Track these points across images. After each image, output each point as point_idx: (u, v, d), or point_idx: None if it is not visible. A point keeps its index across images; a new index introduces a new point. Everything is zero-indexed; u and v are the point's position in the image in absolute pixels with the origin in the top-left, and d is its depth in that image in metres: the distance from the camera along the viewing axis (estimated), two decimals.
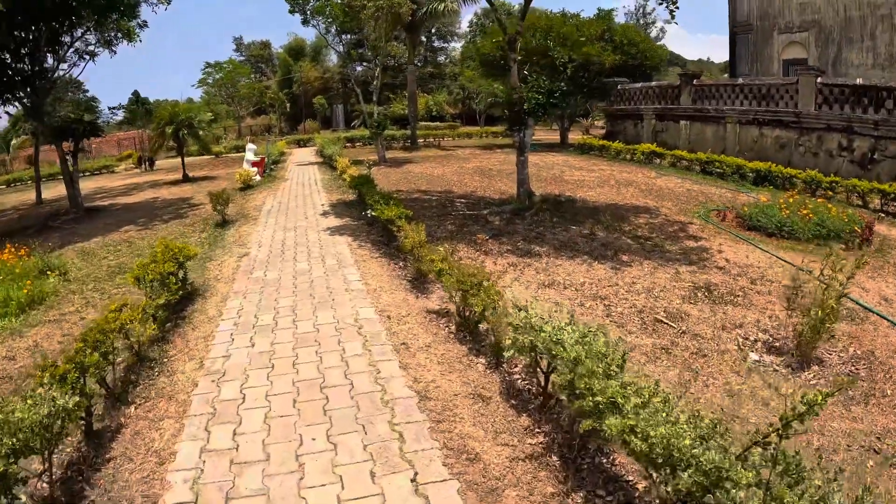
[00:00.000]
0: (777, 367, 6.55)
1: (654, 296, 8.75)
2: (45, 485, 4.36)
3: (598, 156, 28.65)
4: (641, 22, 68.95)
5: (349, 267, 10.39)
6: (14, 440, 3.81)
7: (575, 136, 35.70)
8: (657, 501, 3.70)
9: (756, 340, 7.27)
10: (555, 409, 5.32)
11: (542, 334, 4.89)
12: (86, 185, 25.98)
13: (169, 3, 21.74)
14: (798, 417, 3.48)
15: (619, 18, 48.05)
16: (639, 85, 30.73)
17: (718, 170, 21.40)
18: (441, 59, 68.73)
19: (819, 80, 20.50)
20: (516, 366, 6.31)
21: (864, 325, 7.80)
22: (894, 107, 17.81)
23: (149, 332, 6.60)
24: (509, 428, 5.15)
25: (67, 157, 20.01)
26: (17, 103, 20.37)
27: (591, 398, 4.05)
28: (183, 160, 28.30)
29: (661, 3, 13.61)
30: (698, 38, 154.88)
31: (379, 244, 11.92)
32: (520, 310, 5.50)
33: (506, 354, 5.67)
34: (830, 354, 6.89)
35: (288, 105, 61.13)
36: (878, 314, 8.19)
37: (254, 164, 25.03)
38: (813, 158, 20.26)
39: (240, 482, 4.41)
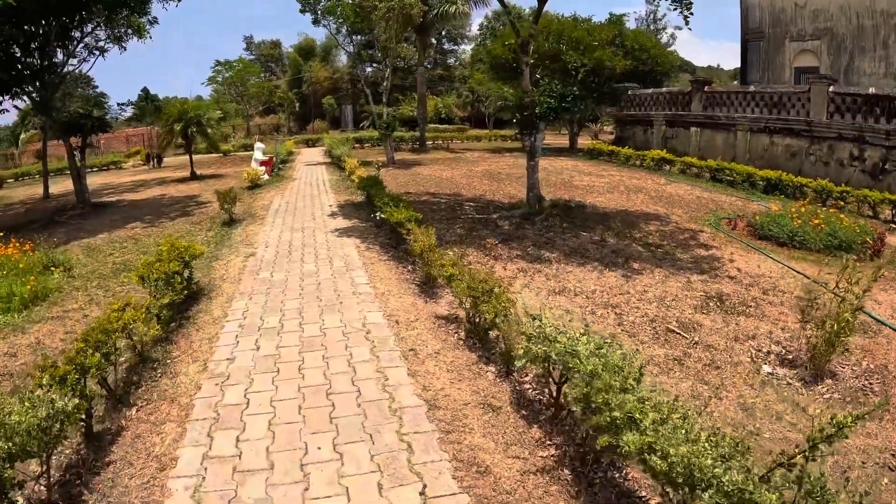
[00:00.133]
0: (790, 380, 6.41)
1: (665, 305, 8.61)
2: (42, 488, 4.26)
3: (608, 161, 28.52)
4: (652, 27, 68.82)
5: (357, 269, 10.27)
6: (10, 444, 3.70)
7: (584, 141, 35.60)
8: None
9: (769, 352, 7.13)
10: (566, 420, 5.19)
11: (557, 345, 4.75)
12: (93, 181, 25.98)
13: (180, 0, 21.74)
14: (826, 440, 3.35)
15: (630, 24, 47.91)
16: (649, 91, 30.59)
17: (729, 177, 21.20)
18: (451, 61, 68.63)
19: (831, 88, 20.33)
20: (527, 375, 6.18)
21: (877, 339, 7.64)
22: None
23: (152, 333, 6.50)
24: (520, 440, 5.01)
25: (75, 153, 20.00)
26: (25, 97, 20.35)
27: (608, 413, 3.92)
28: (191, 158, 28.34)
29: (675, 9, 13.43)
30: (708, 44, 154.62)
31: (387, 247, 11.81)
32: (533, 319, 5.36)
33: (517, 364, 5.52)
34: (843, 368, 6.75)
35: (297, 105, 61.17)
36: (891, 328, 8.03)
37: (262, 163, 24.99)
38: (824, 168, 20.09)
39: (242, 491, 4.29)
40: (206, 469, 4.57)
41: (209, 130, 28.42)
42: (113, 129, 36.97)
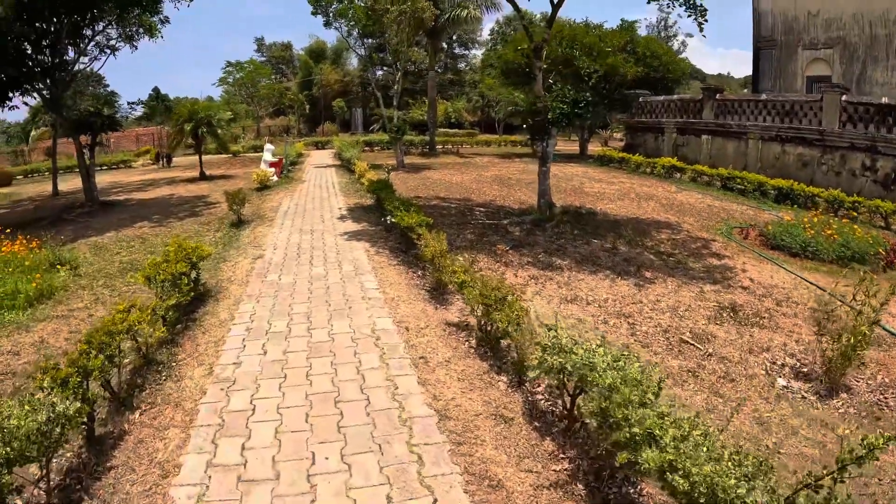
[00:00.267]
0: (805, 394, 6.28)
1: (678, 315, 8.46)
2: (41, 492, 4.15)
3: (618, 168, 28.40)
4: (663, 35, 68.49)
5: (366, 274, 10.15)
6: (8, 449, 3.60)
7: (594, 148, 35.49)
8: None
9: (783, 365, 6.98)
10: (580, 432, 5.05)
11: (574, 357, 4.62)
12: (102, 179, 26.01)
13: (192, 0, 21.74)
14: (856, 461, 3.22)
15: (641, 31, 47.71)
16: (660, 98, 30.43)
17: (740, 186, 21.03)
18: (461, 66, 68.53)
19: (843, 97, 20.14)
20: (539, 385, 6.04)
21: (891, 352, 7.48)
22: None
23: (157, 335, 6.39)
24: (533, 453, 4.87)
25: (85, 151, 19.99)
26: (36, 95, 20.37)
27: (627, 429, 3.78)
28: (200, 158, 28.36)
29: (690, 16, 13.32)
30: (718, 52, 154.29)
31: (397, 251, 11.69)
32: (549, 329, 5.22)
33: (531, 375, 5.38)
34: (858, 382, 6.60)
35: (307, 107, 61.16)
36: None
37: (271, 164, 24.96)
38: (835, 177, 19.90)
39: (247, 502, 4.16)
40: (209, 477, 4.45)
41: (219, 131, 28.48)
42: (123, 128, 37.09)
